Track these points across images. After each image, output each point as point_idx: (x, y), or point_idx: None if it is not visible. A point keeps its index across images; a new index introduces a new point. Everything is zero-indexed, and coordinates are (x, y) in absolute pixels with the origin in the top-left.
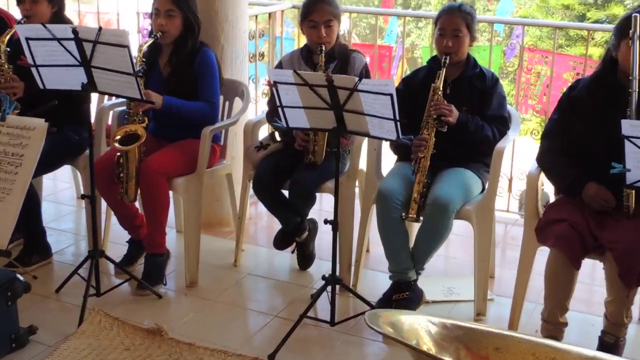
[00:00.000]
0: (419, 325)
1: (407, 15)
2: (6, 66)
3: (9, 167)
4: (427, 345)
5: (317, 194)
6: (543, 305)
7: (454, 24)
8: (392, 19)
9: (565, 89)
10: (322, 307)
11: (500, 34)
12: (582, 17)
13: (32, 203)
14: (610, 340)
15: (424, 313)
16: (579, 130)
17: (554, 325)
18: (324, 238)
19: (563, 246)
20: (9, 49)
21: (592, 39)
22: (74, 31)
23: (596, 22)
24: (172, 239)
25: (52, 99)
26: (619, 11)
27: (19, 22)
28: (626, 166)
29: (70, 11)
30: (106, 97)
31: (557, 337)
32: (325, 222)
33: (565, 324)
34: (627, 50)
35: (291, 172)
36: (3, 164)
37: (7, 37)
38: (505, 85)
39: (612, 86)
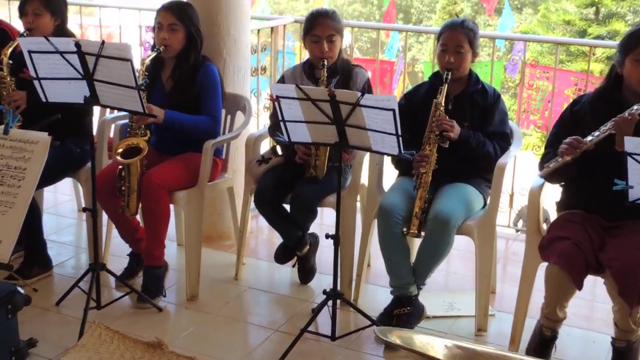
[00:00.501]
0: (427, 344)
1: (409, 30)
2: (9, 79)
3: (12, 180)
4: None
5: (319, 208)
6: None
7: (457, 40)
8: (393, 33)
9: (567, 104)
10: (323, 322)
11: (501, 49)
12: (583, 33)
13: (33, 216)
14: (622, 345)
15: (425, 328)
16: None
17: (553, 321)
18: (324, 252)
19: (565, 265)
20: (11, 62)
21: (593, 54)
22: (77, 44)
23: (597, 37)
24: (172, 253)
25: (55, 112)
26: (620, 27)
27: (21, 35)
28: (629, 183)
29: (72, 24)
30: (108, 110)
31: (556, 328)
32: (327, 236)
33: (564, 318)
34: (632, 67)
35: (293, 186)
36: (6, 178)
37: (10, 50)
38: (506, 100)
39: (616, 102)
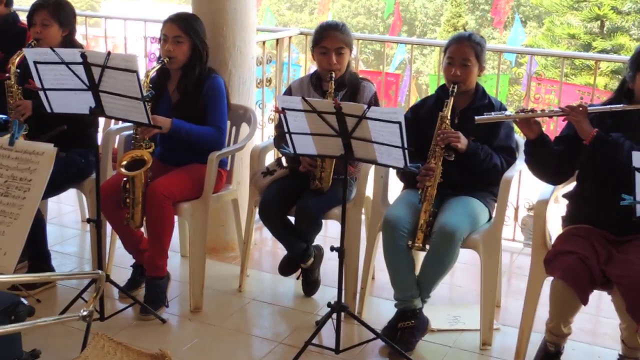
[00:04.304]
0: None
1: (415, 42)
2: (15, 87)
3: (17, 191)
4: None
5: (323, 221)
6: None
7: (463, 53)
8: (399, 46)
9: None
10: (327, 334)
11: (513, 64)
12: (587, 47)
13: (37, 226)
14: None
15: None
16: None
17: (557, 336)
18: (329, 264)
19: (570, 280)
20: (19, 70)
21: (598, 68)
22: (83, 55)
23: (602, 51)
24: (176, 264)
25: (61, 123)
26: (625, 41)
27: (28, 45)
28: (637, 198)
29: (77, 34)
30: (113, 121)
31: (560, 344)
32: (332, 249)
33: (569, 334)
34: None
35: (297, 198)
36: (11, 189)
37: (18, 59)
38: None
39: (623, 115)
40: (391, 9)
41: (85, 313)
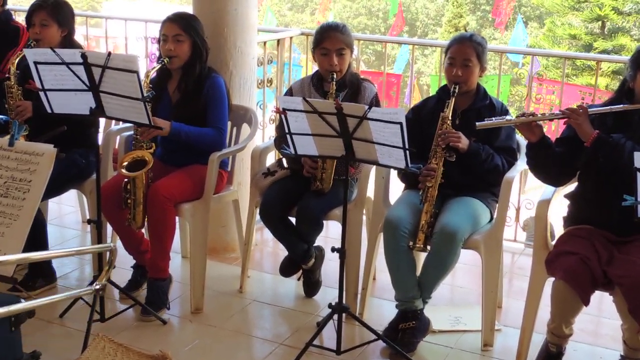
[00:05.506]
0: None
1: (416, 43)
2: (15, 88)
3: (17, 192)
4: None
5: (324, 221)
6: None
7: (465, 54)
8: (402, 46)
9: None
10: (328, 335)
11: (519, 65)
12: (588, 47)
13: (37, 227)
14: None
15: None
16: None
17: (559, 337)
18: (330, 265)
19: (571, 281)
20: (18, 71)
21: (600, 69)
22: (83, 56)
23: (603, 52)
24: (177, 265)
25: (61, 124)
26: (626, 41)
27: (28, 46)
28: (638, 199)
29: (77, 34)
30: (113, 121)
31: (562, 345)
32: (333, 250)
33: (571, 334)
34: None
35: (298, 198)
36: (11, 190)
37: (18, 59)
38: (513, 113)
39: (624, 115)
40: (395, 10)
41: (98, 286)
